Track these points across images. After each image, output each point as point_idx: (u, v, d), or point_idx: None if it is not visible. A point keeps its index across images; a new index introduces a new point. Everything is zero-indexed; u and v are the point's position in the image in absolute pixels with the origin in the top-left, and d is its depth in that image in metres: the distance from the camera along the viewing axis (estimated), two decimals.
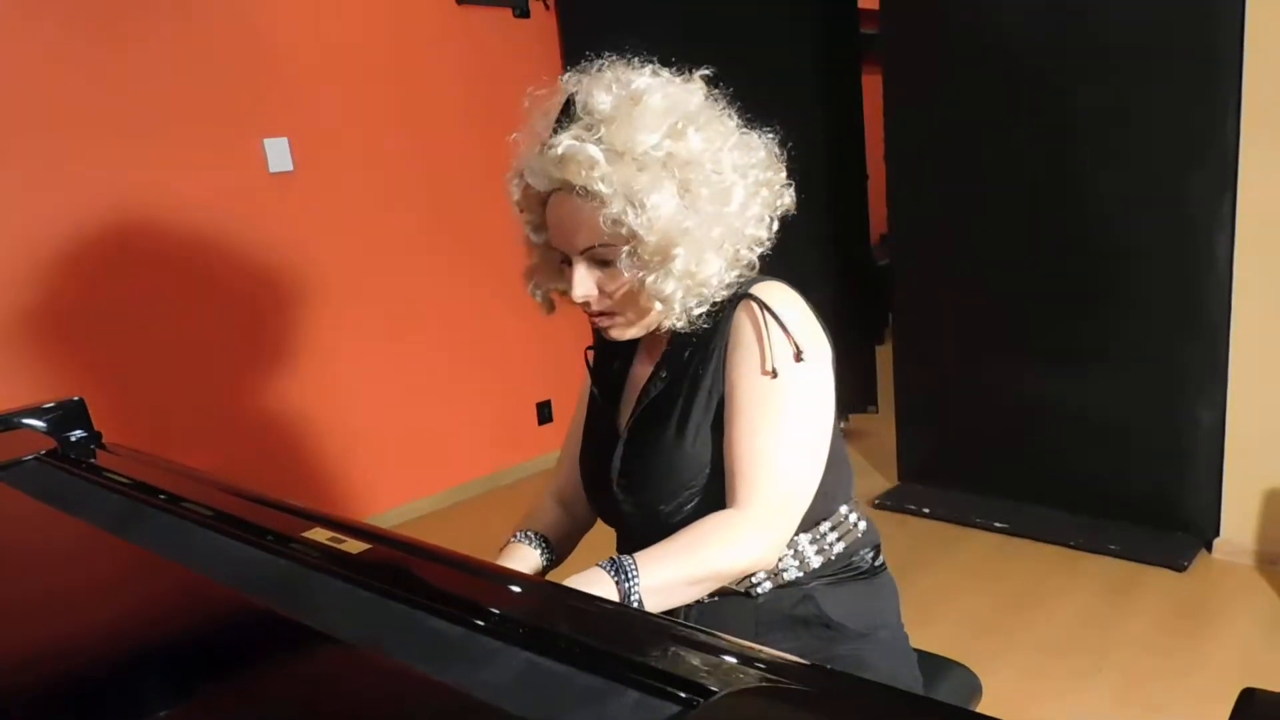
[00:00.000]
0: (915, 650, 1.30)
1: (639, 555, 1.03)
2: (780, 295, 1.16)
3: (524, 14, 3.74)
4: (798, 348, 1.12)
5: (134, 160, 2.84)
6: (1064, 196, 2.86)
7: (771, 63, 3.43)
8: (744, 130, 1.18)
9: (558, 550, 1.36)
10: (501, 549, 1.33)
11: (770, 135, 1.21)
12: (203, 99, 2.96)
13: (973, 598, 2.67)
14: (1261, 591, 2.60)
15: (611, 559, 1.02)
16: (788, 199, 1.20)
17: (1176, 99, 2.61)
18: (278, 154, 3.14)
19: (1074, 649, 2.40)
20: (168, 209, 2.92)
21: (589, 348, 1.42)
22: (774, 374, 1.11)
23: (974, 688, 1.33)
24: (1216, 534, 2.80)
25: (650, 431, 1.20)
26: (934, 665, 1.33)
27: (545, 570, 1.33)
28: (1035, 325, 3.02)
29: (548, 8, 3.81)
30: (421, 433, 3.63)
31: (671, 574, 1.03)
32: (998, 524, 3.08)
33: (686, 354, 1.19)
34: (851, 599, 1.20)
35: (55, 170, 2.70)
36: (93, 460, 1.42)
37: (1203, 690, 2.19)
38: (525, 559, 1.31)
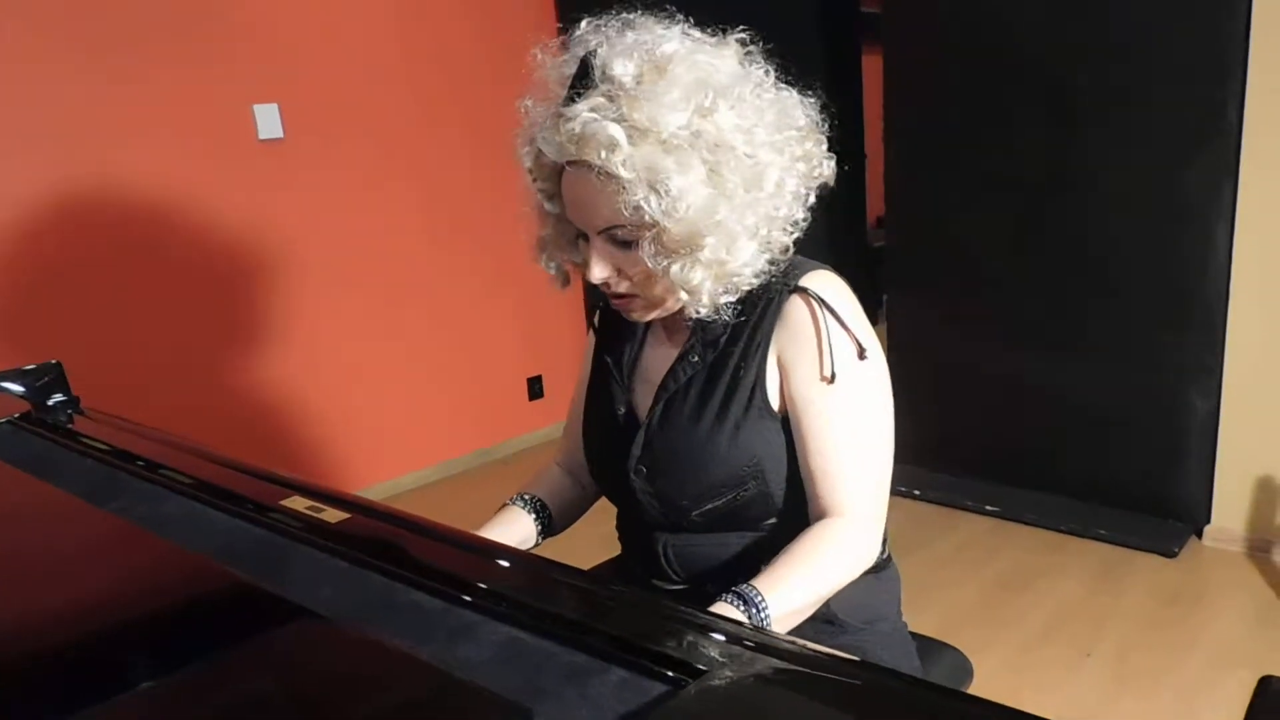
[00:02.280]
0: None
1: (760, 582, 0.99)
2: (834, 288, 1.10)
3: None
4: (860, 345, 1.07)
5: (117, 124, 2.78)
6: (1062, 181, 2.83)
7: (771, 40, 3.37)
8: (781, 89, 1.08)
9: (558, 518, 1.32)
10: (498, 510, 1.29)
11: (811, 98, 1.11)
12: (190, 62, 2.90)
13: (964, 581, 2.66)
14: (1251, 579, 2.59)
15: (735, 590, 0.97)
16: (827, 170, 1.12)
17: (1178, 84, 2.57)
18: (267, 120, 3.09)
19: (1065, 633, 2.39)
20: (152, 174, 2.87)
21: (598, 306, 1.34)
22: (840, 376, 1.06)
23: (966, 671, 1.31)
24: (1207, 521, 2.79)
25: (677, 421, 1.13)
26: (926, 648, 1.31)
27: (540, 536, 1.29)
28: (1031, 310, 2.99)
29: None
30: (411, 407, 3.60)
31: (798, 598, 1.00)
32: (989, 507, 3.07)
33: (721, 340, 1.13)
34: (857, 593, 1.16)
35: (35, 133, 2.64)
36: (70, 425, 1.39)
37: (1193, 675, 2.18)
38: (517, 523, 1.26)
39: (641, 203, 0.98)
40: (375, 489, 3.50)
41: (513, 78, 3.20)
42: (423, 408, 3.64)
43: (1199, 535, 2.81)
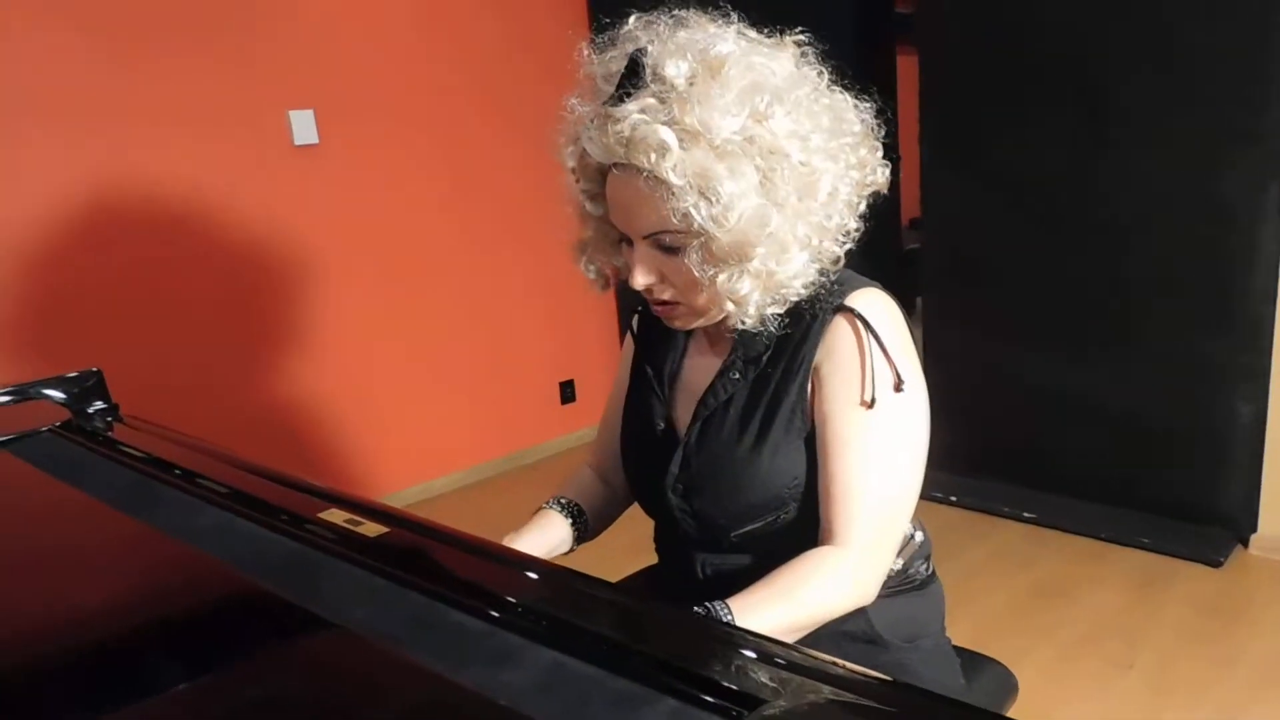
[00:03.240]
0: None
1: (734, 601, 0.95)
2: (881, 310, 1.06)
3: None
4: (899, 376, 1.03)
5: (156, 129, 2.80)
6: (1100, 183, 2.77)
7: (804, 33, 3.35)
8: (835, 93, 1.05)
9: (593, 523, 1.29)
10: (533, 514, 1.26)
11: (867, 102, 1.07)
12: (227, 68, 2.92)
13: (999, 589, 2.62)
14: None
15: (704, 604, 0.94)
16: (880, 178, 1.08)
17: (1217, 85, 2.52)
18: (303, 126, 3.10)
19: (1104, 643, 2.34)
20: (188, 179, 2.89)
21: (635, 311, 1.30)
22: (874, 403, 1.02)
23: (1011, 686, 1.29)
24: (1254, 530, 2.73)
25: (717, 440, 1.10)
26: (970, 662, 1.29)
27: (576, 541, 1.26)
28: (1068, 313, 2.94)
29: None
30: (443, 410, 3.60)
31: (772, 621, 0.95)
32: (1026, 514, 3.02)
33: (764, 357, 1.09)
34: (901, 611, 1.14)
35: (75, 140, 2.67)
36: (109, 433, 1.39)
37: (1238, 691, 2.13)
38: (554, 527, 1.23)
39: (690, 209, 0.95)
40: (406, 493, 3.51)
41: (546, 79, 3.21)
42: (455, 412, 3.64)
43: (1245, 544, 2.75)
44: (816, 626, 1.02)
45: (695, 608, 0.94)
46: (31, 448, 1.24)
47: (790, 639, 0.97)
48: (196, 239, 2.93)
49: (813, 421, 1.07)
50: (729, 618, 0.94)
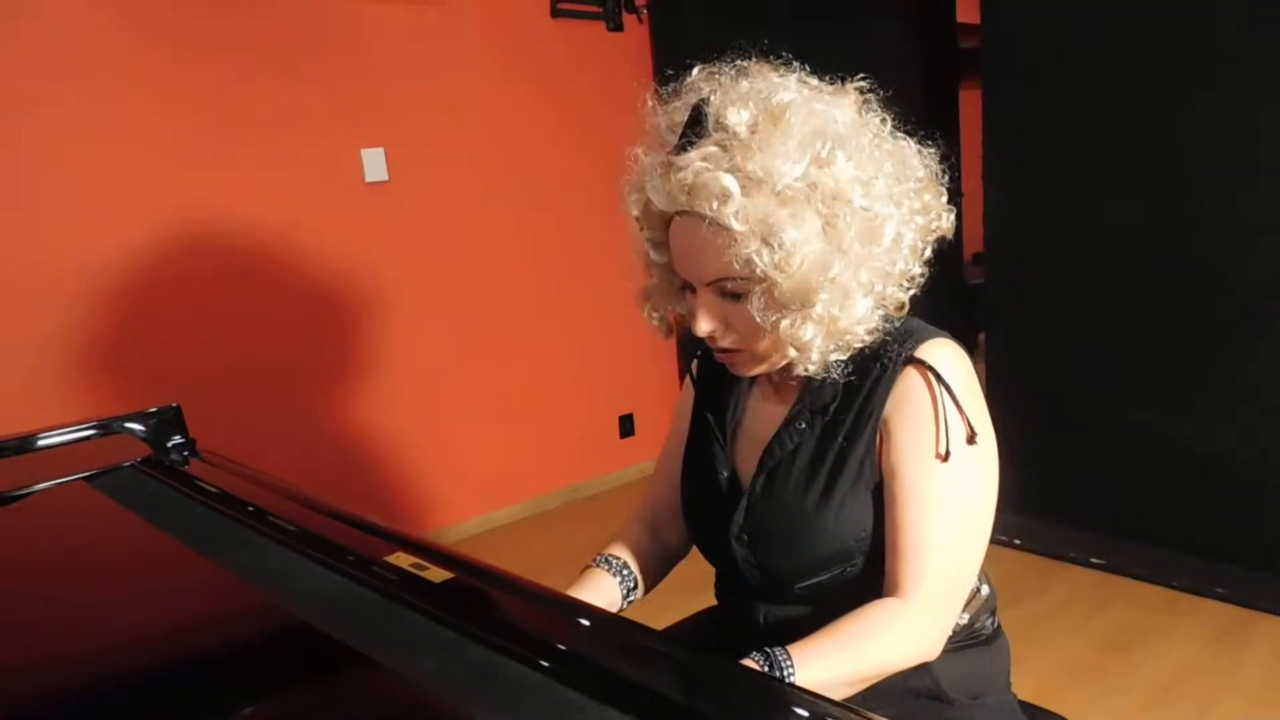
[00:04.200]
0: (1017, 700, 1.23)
1: (795, 649, 0.94)
2: (953, 362, 1.04)
3: (617, 27, 3.73)
4: (971, 429, 1.02)
5: (233, 167, 2.91)
6: (1181, 220, 2.71)
7: (870, 77, 3.36)
8: (899, 138, 1.05)
9: (644, 580, 1.27)
10: (580, 573, 1.25)
11: (931, 147, 1.08)
12: (304, 108, 3.02)
13: (1067, 639, 2.55)
14: None
15: (764, 650, 0.94)
16: (946, 223, 1.08)
17: None
18: (374, 164, 3.19)
19: (1177, 700, 2.27)
20: (264, 217, 2.99)
21: (696, 356, 1.31)
22: (948, 456, 1.01)
23: None
24: None
25: (784, 491, 1.09)
26: (1034, 717, 1.26)
27: (624, 600, 1.25)
28: (1142, 354, 2.87)
29: (640, 21, 3.80)
30: (505, 443, 3.64)
31: (831, 673, 0.94)
32: (1094, 560, 2.95)
33: (831, 407, 1.08)
34: (967, 666, 1.12)
35: (155, 178, 2.78)
36: (186, 468, 1.44)
37: None
38: (602, 587, 1.22)
39: (753, 255, 0.96)
40: (468, 524, 3.55)
41: (612, 121, 3.26)
42: (516, 445, 3.68)
43: None
44: (876, 681, 1.00)
45: (755, 653, 0.94)
46: (114, 482, 1.29)
47: (849, 692, 0.97)
48: (271, 275, 3.02)
49: (881, 473, 1.06)
50: (789, 665, 0.93)
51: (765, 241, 0.95)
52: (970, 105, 3.70)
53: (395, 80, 3.21)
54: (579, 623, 0.83)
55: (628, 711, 0.64)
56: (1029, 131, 3.01)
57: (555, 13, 3.56)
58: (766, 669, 0.93)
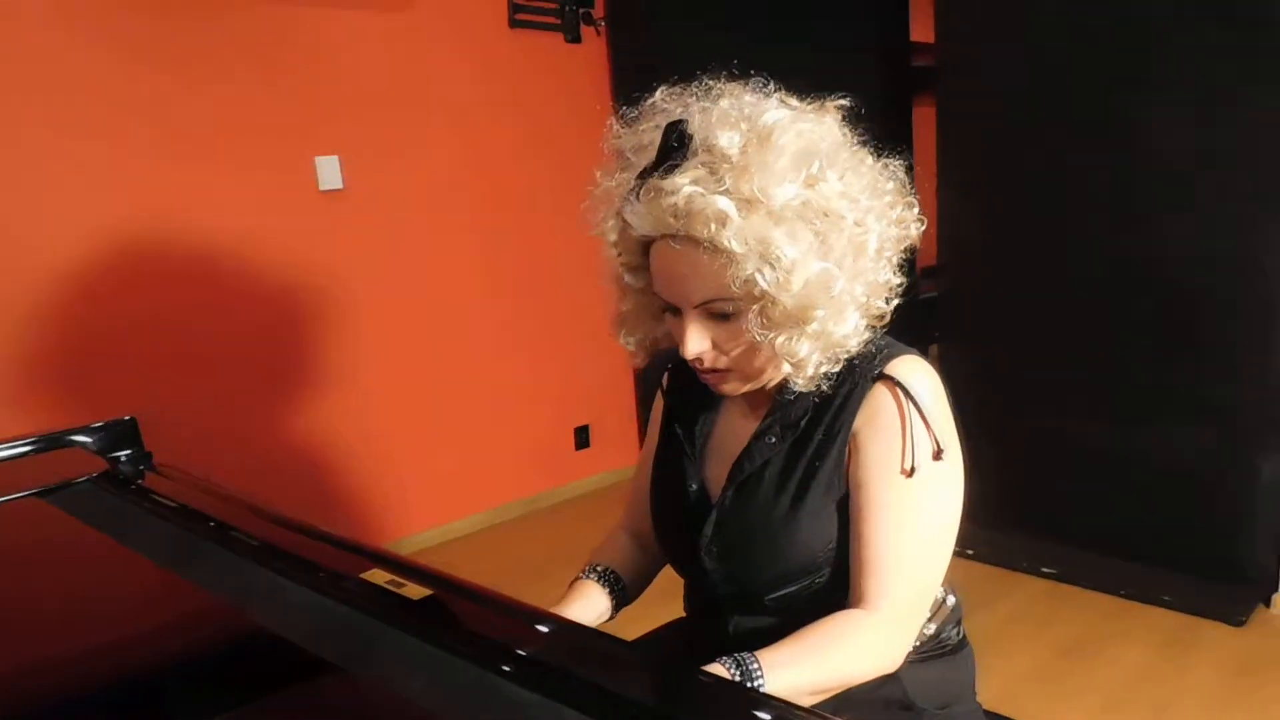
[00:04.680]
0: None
1: (763, 654, 0.96)
2: (921, 378, 1.06)
3: (575, 39, 3.73)
4: (938, 445, 1.04)
5: (183, 174, 2.84)
6: (1129, 238, 2.78)
7: (827, 93, 3.41)
8: (868, 153, 1.06)
9: (631, 589, 1.28)
10: (570, 585, 1.26)
11: (899, 161, 1.09)
12: (256, 114, 2.97)
13: (1023, 649, 2.59)
14: None
15: (735, 656, 0.95)
16: (914, 232, 1.09)
17: (1256, 141, 2.53)
18: (329, 172, 3.15)
19: (1131, 706, 2.31)
20: (215, 224, 2.92)
21: (667, 368, 1.31)
22: (914, 472, 1.03)
23: None
24: (1275, 588, 2.70)
25: (753, 503, 1.10)
26: None
27: (615, 610, 1.26)
28: (1092, 367, 2.94)
29: (598, 33, 3.80)
30: (461, 454, 3.61)
31: (799, 680, 0.96)
32: (1045, 569, 3.00)
33: (802, 421, 1.09)
34: (935, 676, 1.14)
35: (102, 183, 2.71)
36: (142, 482, 1.40)
37: None
38: (594, 599, 1.23)
39: (754, 275, 0.95)
40: (424, 536, 3.51)
41: (569, 134, 3.27)
42: (472, 456, 3.64)
43: (1267, 604, 2.72)
44: (838, 691, 1.02)
45: (724, 659, 0.95)
46: (70, 498, 1.25)
47: (811, 701, 0.99)
48: (223, 284, 2.96)
49: (848, 486, 1.07)
50: (759, 672, 0.94)
51: (764, 260, 0.95)
52: (923, 122, 3.77)
53: (351, 87, 3.17)
54: (560, 637, 0.83)
55: None
56: (982, 148, 3.07)
57: (514, 23, 3.54)
58: (737, 675, 0.93)
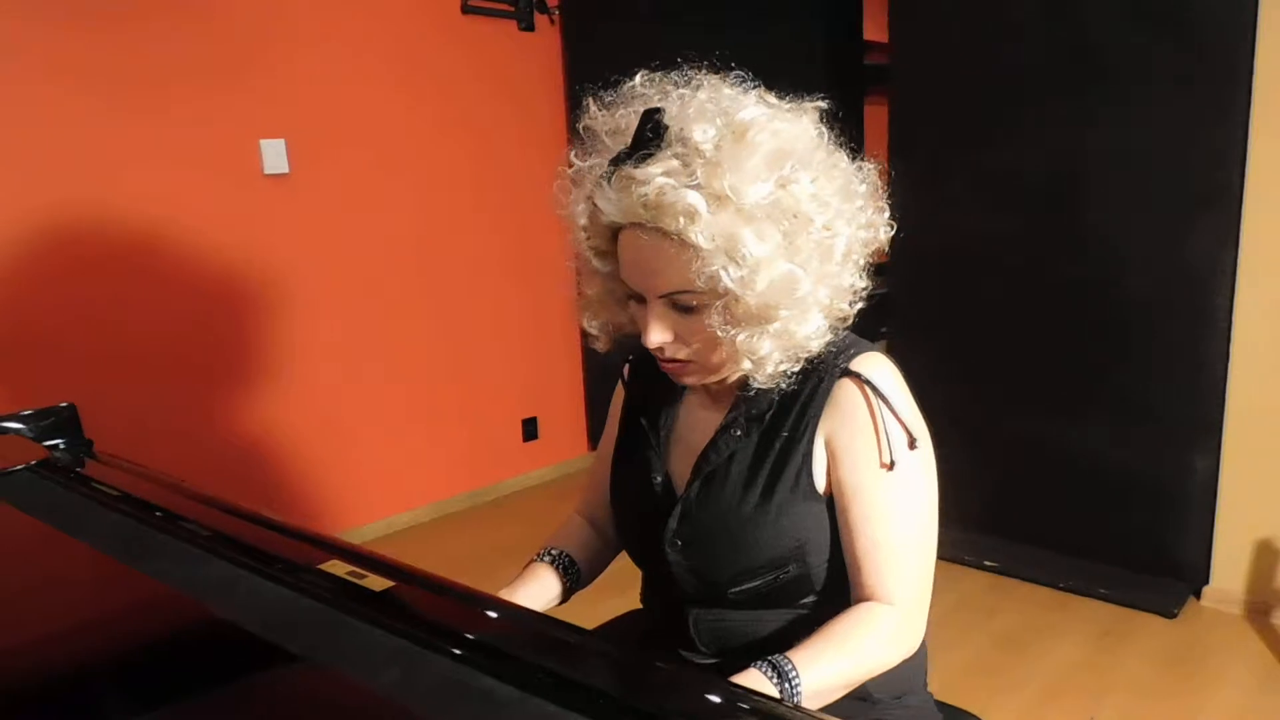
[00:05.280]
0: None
1: (795, 655, 0.97)
2: (885, 372, 1.08)
3: (528, 27, 3.70)
4: (910, 435, 1.06)
5: (123, 157, 2.76)
6: (1068, 242, 2.85)
7: (778, 90, 3.43)
8: (843, 155, 1.06)
9: (585, 572, 1.28)
10: (524, 568, 1.26)
11: (874, 164, 1.10)
12: (198, 95, 2.89)
13: (964, 640, 2.64)
14: (1250, 641, 2.58)
15: (768, 659, 0.96)
16: (884, 236, 1.10)
17: (1186, 150, 2.61)
18: (274, 155, 3.08)
19: (1068, 696, 2.37)
20: (157, 208, 2.84)
21: (628, 360, 1.30)
22: (895, 465, 1.05)
23: None
24: (1206, 581, 2.79)
25: (718, 498, 1.10)
26: (946, 715, 1.29)
27: (567, 593, 1.26)
28: (1033, 366, 3.00)
29: (552, 22, 3.78)
30: (407, 446, 3.56)
31: (833, 677, 0.98)
32: (988, 563, 3.06)
33: (767, 415, 1.10)
34: (891, 668, 1.16)
35: (39, 165, 2.62)
36: (81, 469, 1.36)
37: None
38: (547, 581, 1.23)
39: (719, 271, 0.95)
40: (369, 528, 3.46)
41: (521, 122, 3.24)
42: (418, 448, 3.60)
43: (1198, 596, 2.81)
44: (864, 681, 1.05)
45: (759, 662, 0.96)
46: (10, 487, 1.20)
47: (842, 694, 1.01)
48: (163, 269, 2.88)
49: (828, 486, 1.08)
50: (793, 672, 0.95)
51: (730, 257, 0.95)
52: (875, 120, 3.81)
53: (299, 70, 3.11)
54: (528, 629, 0.82)
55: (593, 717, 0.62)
56: (933, 147, 3.11)
57: (466, 9, 3.50)
58: (773, 676, 0.94)
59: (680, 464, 1.18)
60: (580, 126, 1.08)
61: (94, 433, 1.53)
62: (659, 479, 1.18)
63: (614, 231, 1.05)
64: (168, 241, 2.88)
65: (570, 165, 1.08)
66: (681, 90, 1.02)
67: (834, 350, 1.09)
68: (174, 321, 2.93)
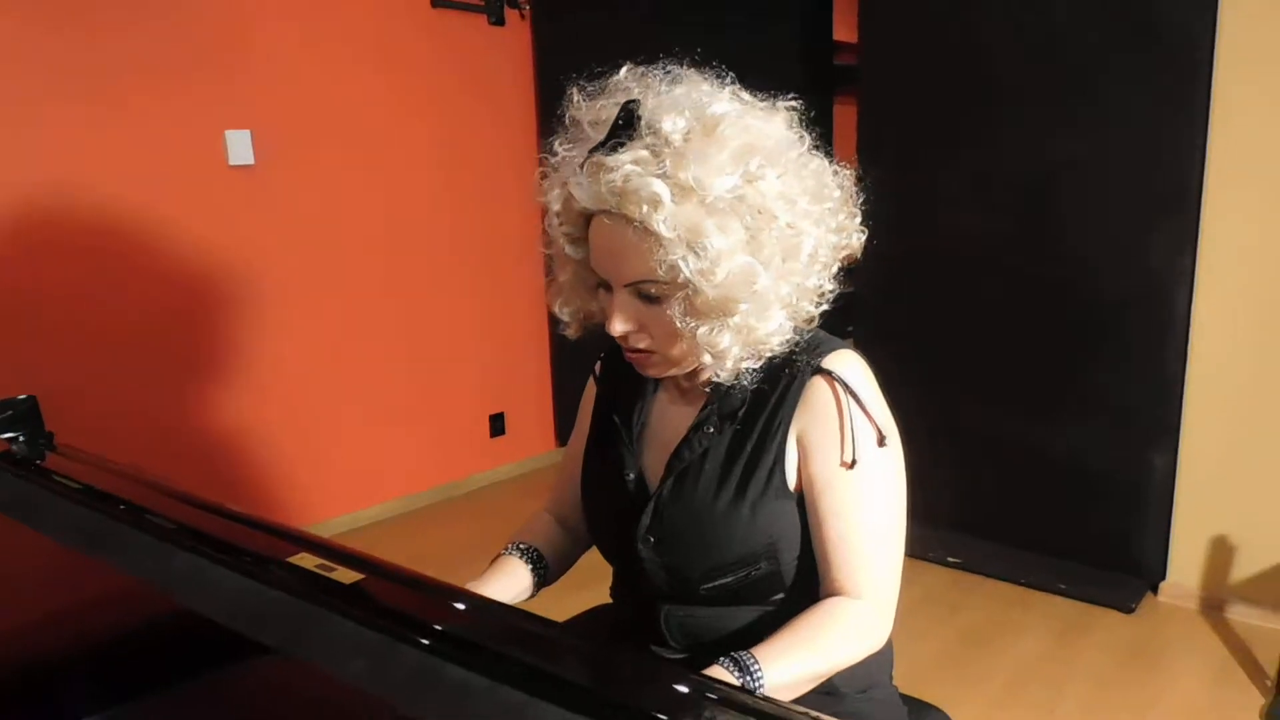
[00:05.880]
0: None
1: (760, 650, 0.97)
2: (856, 370, 1.09)
3: (499, 21, 3.68)
4: (880, 431, 1.07)
5: (86, 147, 2.71)
6: (1032, 243, 2.88)
7: (748, 89, 3.45)
8: (818, 160, 1.07)
9: (553, 568, 1.28)
10: (492, 561, 1.25)
11: (848, 169, 1.11)
12: (163, 84, 2.85)
13: (930, 635, 2.67)
14: (1205, 635, 2.64)
15: (732, 655, 0.96)
16: (856, 242, 1.11)
17: (1149, 154, 2.65)
18: (239, 146, 3.04)
19: (1030, 690, 2.41)
20: (120, 198, 2.80)
21: (600, 357, 1.31)
22: (862, 461, 1.06)
23: None
24: (1163, 577, 2.84)
25: (691, 495, 1.11)
26: (915, 710, 1.31)
27: (535, 589, 1.25)
28: (996, 366, 3.04)
29: (523, 17, 3.76)
30: (373, 441, 3.54)
31: (798, 671, 0.99)
32: (951, 559, 3.09)
33: (739, 412, 1.10)
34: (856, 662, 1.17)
35: (1, 157, 2.57)
36: (41, 462, 1.34)
37: None
38: (516, 574, 1.22)
39: (679, 262, 0.96)
40: (335, 522, 3.43)
41: (490, 117, 3.21)
42: (384, 442, 3.58)
43: (1155, 591, 2.86)
44: (831, 675, 1.05)
45: (723, 659, 0.96)
46: None
47: (809, 688, 1.01)
48: (125, 260, 2.84)
49: (799, 482, 1.09)
50: (756, 667, 0.96)
51: (691, 249, 0.96)
52: (844, 119, 3.84)
53: (266, 61, 3.07)
54: (503, 622, 0.82)
55: (573, 709, 0.63)
56: (901, 147, 3.13)
57: (437, 2, 3.48)
58: (735, 673, 0.95)
59: (653, 461, 1.18)
60: (566, 116, 1.09)
61: (56, 425, 1.50)
62: (632, 476, 1.19)
63: (586, 218, 1.06)
64: (131, 233, 2.84)
65: (554, 153, 1.09)
66: (662, 85, 1.03)
67: (806, 348, 1.10)
68: (138, 314, 2.89)
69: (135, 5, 2.76)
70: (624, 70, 1.06)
